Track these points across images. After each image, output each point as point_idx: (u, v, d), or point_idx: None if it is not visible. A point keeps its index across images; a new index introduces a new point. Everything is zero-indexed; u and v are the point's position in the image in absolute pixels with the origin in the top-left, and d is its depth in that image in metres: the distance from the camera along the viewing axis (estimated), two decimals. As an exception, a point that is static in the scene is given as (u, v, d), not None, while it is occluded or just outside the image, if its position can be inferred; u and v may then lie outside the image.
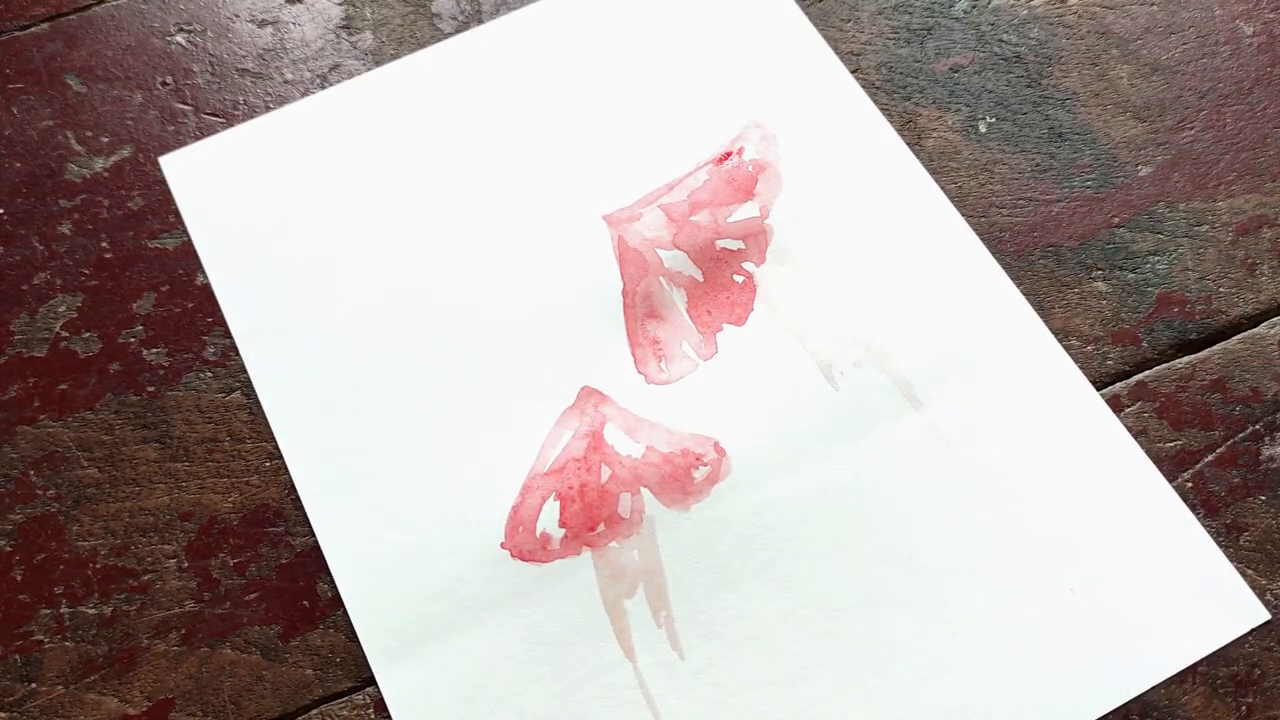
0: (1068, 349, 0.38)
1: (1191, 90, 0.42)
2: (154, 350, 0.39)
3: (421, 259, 0.40)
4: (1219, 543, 0.35)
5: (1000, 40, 0.43)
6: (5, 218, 0.41)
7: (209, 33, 0.45)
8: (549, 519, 0.35)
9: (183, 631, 0.35)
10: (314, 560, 0.35)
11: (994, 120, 0.42)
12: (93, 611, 0.35)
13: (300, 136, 0.42)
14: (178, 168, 0.42)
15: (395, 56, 0.44)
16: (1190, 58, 0.43)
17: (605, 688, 0.33)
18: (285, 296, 0.39)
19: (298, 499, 0.36)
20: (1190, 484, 0.36)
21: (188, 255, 0.40)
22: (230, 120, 0.43)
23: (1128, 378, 0.38)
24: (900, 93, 0.42)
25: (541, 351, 0.38)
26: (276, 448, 0.37)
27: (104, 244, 0.41)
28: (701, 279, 0.39)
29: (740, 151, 0.41)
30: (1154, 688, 0.33)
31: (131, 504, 0.36)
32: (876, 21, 0.44)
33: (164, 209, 0.41)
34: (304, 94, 0.43)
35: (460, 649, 0.34)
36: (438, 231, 0.40)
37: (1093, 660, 0.33)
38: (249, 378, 0.38)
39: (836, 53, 0.43)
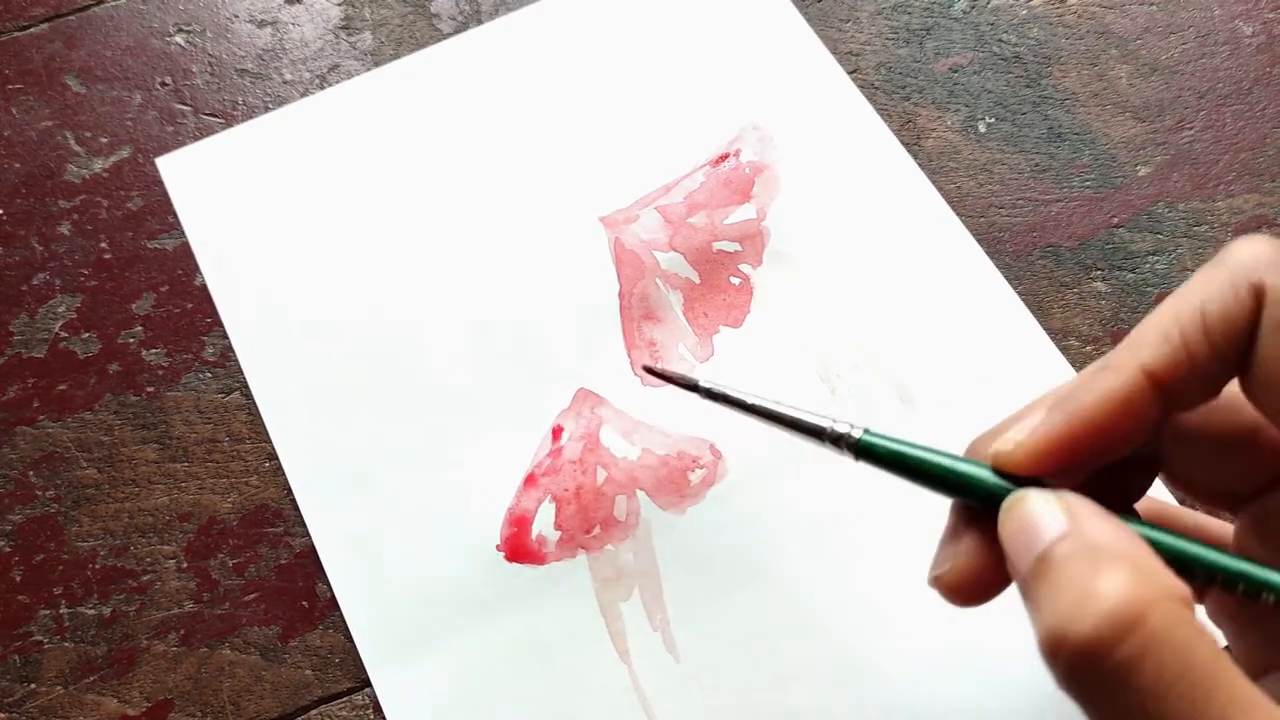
0: (1067, 349, 0.38)
1: (1191, 90, 0.42)
2: (153, 351, 0.39)
3: (417, 260, 0.40)
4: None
5: (999, 40, 0.43)
6: (4, 218, 0.42)
7: (208, 33, 0.45)
8: (545, 521, 0.35)
9: (182, 632, 0.35)
10: (313, 561, 0.35)
11: (993, 120, 0.42)
12: (92, 612, 0.35)
13: (299, 137, 0.42)
14: (175, 169, 0.42)
15: (394, 57, 0.44)
16: (1189, 58, 0.43)
17: (600, 690, 0.33)
18: (282, 298, 0.39)
19: (296, 500, 0.36)
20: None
21: (187, 256, 0.40)
22: (229, 121, 0.43)
23: (1126, 379, 0.37)
24: (899, 93, 0.42)
25: (537, 353, 0.38)
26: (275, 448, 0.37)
27: (103, 244, 0.41)
28: (698, 281, 0.39)
29: (737, 153, 0.41)
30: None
31: (131, 504, 0.37)
32: (875, 22, 0.44)
33: (163, 209, 0.41)
34: (303, 94, 0.43)
35: (456, 652, 0.34)
36: (434, 232, 0.40)
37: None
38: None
39: (835, 53, 0.43)
